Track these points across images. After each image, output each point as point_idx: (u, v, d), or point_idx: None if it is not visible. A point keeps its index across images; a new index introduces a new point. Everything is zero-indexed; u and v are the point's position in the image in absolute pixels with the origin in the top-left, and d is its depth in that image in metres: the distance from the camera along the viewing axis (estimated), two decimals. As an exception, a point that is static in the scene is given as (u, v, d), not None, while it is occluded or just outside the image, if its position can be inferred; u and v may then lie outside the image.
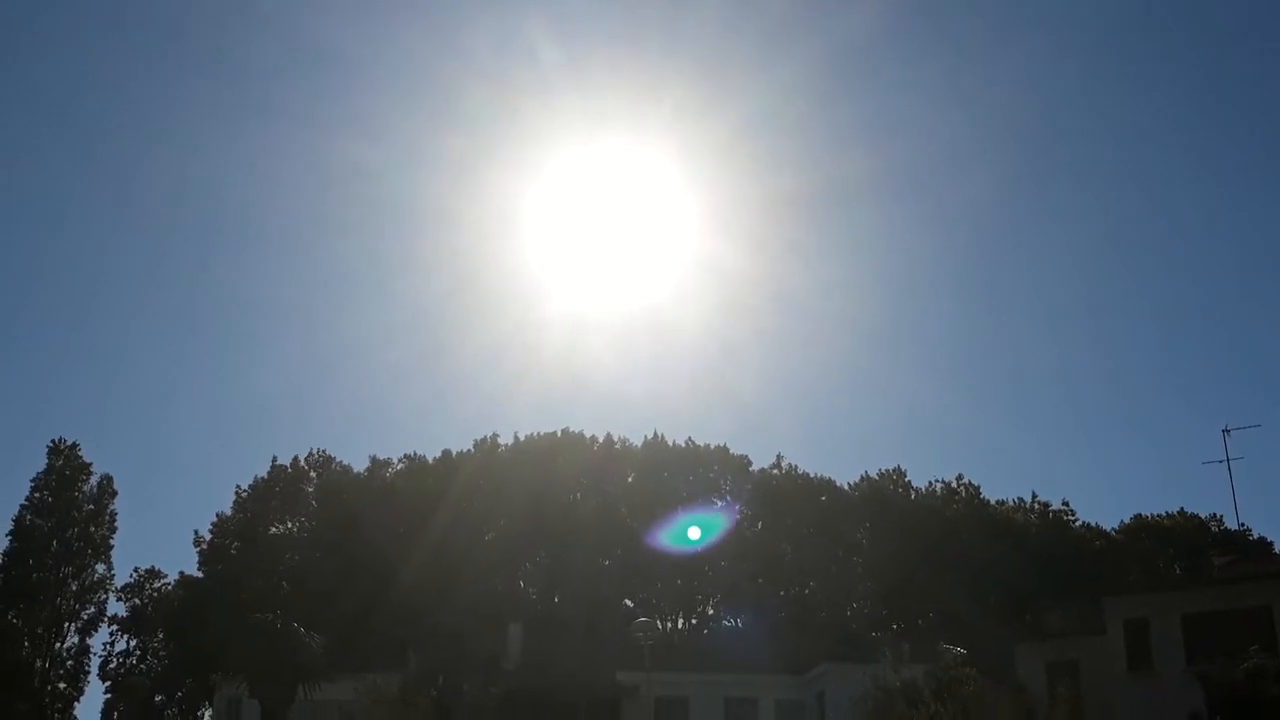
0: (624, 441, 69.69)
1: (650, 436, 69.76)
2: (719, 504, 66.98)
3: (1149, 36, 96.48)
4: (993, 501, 69.51)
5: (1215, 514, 67.64)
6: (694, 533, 61.91)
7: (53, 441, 65.39)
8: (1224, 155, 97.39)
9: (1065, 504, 69.46)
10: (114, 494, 65.50)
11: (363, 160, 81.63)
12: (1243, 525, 59.74)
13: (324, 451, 69.34)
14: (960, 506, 68.53)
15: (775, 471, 69.73)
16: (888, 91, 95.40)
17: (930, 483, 70.18)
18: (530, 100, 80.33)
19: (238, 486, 67.53)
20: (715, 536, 63.78)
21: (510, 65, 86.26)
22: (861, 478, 69.79)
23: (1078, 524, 69.07)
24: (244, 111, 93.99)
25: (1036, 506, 69.42)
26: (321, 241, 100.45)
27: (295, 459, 68.81)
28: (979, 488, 69.86)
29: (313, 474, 68.85)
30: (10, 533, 62.63)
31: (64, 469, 64.70)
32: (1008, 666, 40.45)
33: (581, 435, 69.17)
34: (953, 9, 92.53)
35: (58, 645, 63.04)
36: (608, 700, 44.89)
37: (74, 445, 65.40)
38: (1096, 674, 37.68)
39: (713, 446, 69.80)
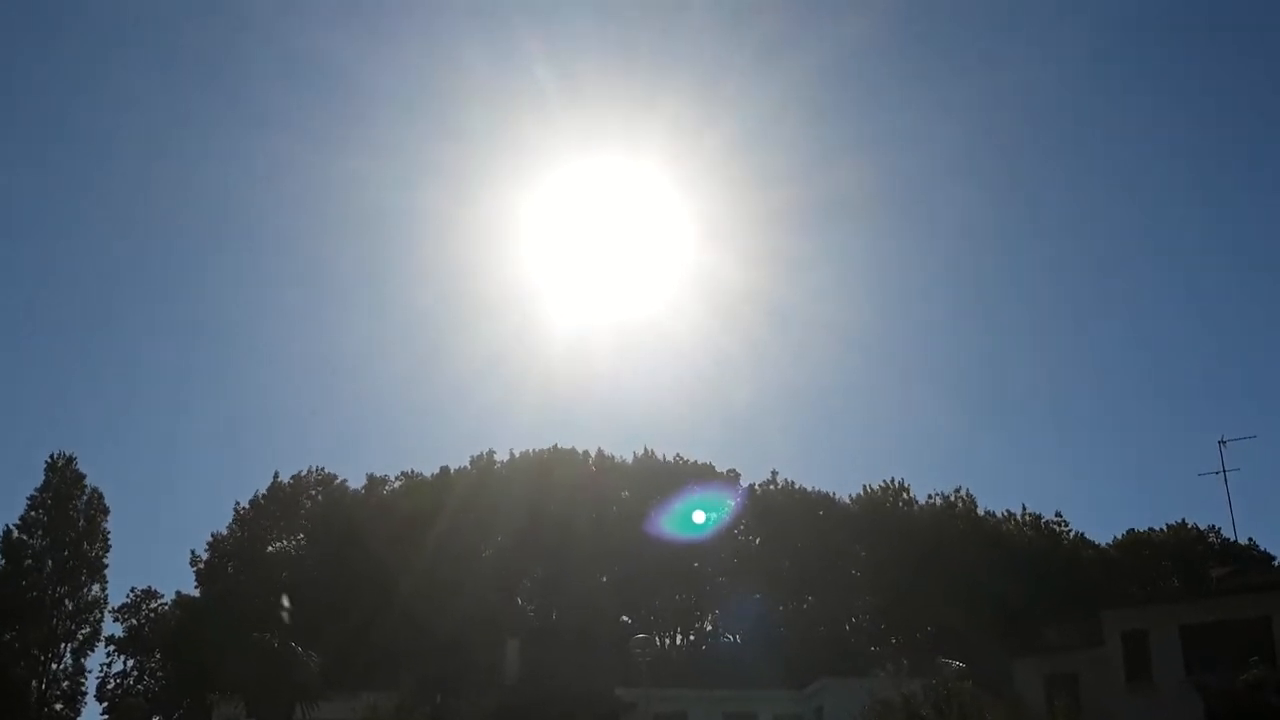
0: (617, 457, 69.82)
1: (640, 453, 69.91)
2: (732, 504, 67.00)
3: (1141, 47, 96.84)
4: (989, 514, 69.53)
5: (1213, 526, 67.74)
6: (699, 516, 62.03)
7: (52, 456, 65.07)
8: (1218, 166, 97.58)
9: (1060, 516, 69.64)
10: (105, 511, 65.21)
11: (361, 172, 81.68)
12: (1248, 540, 59.91)
13: (323, 469, 69.36)
14: (958, 520, 68.50)
15: (771, 487, 69.74)
16: (880, 104, 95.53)
17: (929, 496, 70.28)
18: (526, 114, 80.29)
19: (237, 503, 67.52)
20: (720, 523, 63.93)
21: (507, 80, 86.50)
22: (862, 491, 69.84)
23: (1074, 537, 69.10)
24: (244, 124, 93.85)
25: (1030, 519, 69.47)
26: (320, 254, 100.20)
27: (296, 475, 68.76)
28: (976, 501, 69.97)
29: (312, 491, 68.71)
30: (1, 550, 62.39)
31: (60, 484, 64.42)
32: (1006, 680, 40.44)
33: (575, 450, 69.26)
34: (944, 22, 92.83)
35: (54, 666, 62.82)
36: (606, 715, 44.83)
37: (71, 459, 65.14)
38: (1095, 687, 37.64)
39: (699, 463, 69.81)
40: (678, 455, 69.62)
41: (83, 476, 64.94)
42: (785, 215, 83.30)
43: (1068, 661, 39.45)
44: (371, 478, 69.24)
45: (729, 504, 66.02)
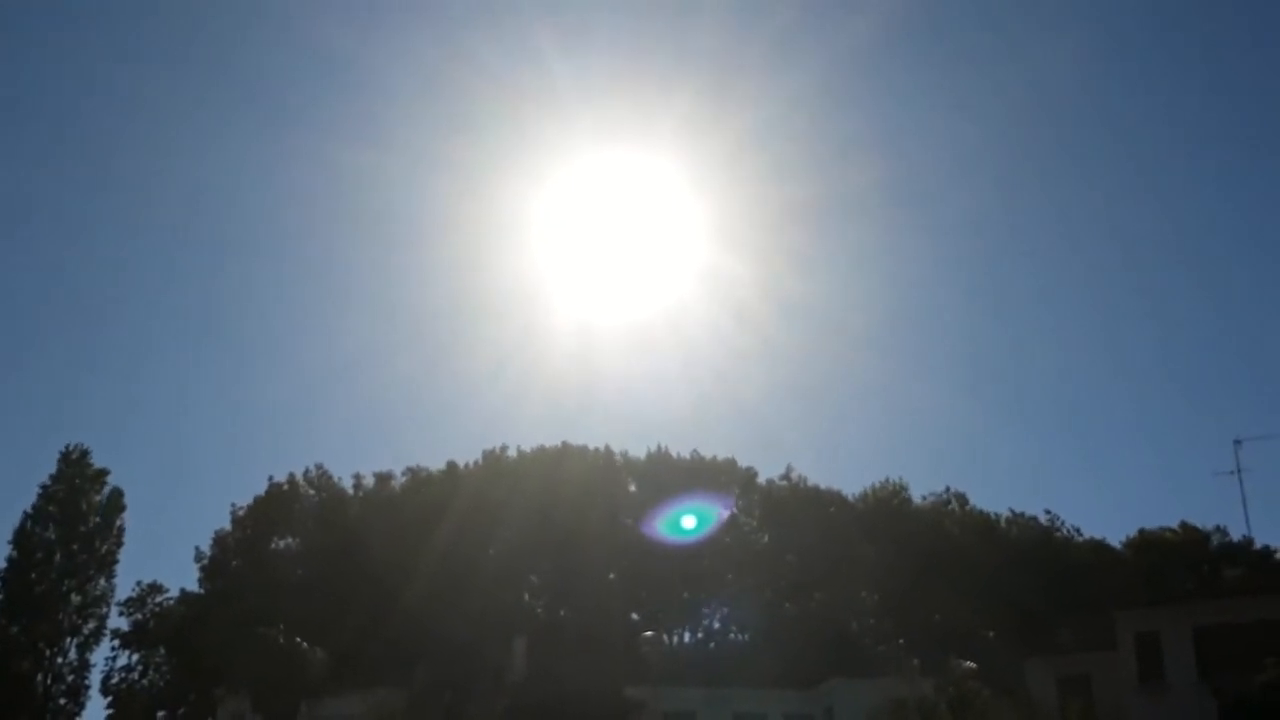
0: (628, 454, 69.38)
1: (654, 449, 69.48)
2: (723, 510, 66.60)
3: (1154, 42, 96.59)
4: (999, 514, 69.10)
5: (1227, 526, 67.07)
6: (689, 521, 61.76)
7: (66, 448, 64.72)
8: (1231, 160, 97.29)
9: (1050, 512, 69.18)
10: (123, 508, 64.97)
11: (368, 167, 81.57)
12: (1262, 541, 59.39)
13: (322, 467, 68.84)
14: (966, 519, 68.07)
15: (784, 483, 69.35)
16: (893, 100, 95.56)
17: (931, 494, 69.82)
18: (538, 108, 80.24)
19: (233, 504, 66.65)
20: (710, 527, 63.61)
21: (518, 74, 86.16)
22: (871, 489, 69.36)
23: (1085, 537, 68.59)
24: (251, 118, 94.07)
25: (1042, 519, 68.98)
26: (329, 249, 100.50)
27: (302, 473, 68.37)
28: (985, 500, 69.50)
29: (310, 491, 68.08)
30: (12, 541, 62.30)
31: (73, 477, 64.11)
32: (1018, 681, 40.16)
33: (585, 447, 68.82)
34: (957, 17, 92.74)
35: (59, 660, 62.65)
36: (615, 714, 44.59)
37: (85, 453, 64.85)
38: (1108, 688, 37.37)
39: (719, 458, 69.39)
40: (693, 452, 69.37)
41: (104, 472, 64.72)
42: (799, 211, 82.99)
43: (1080, 662, 39.17)
44: (377, 474, 68.83)
45: (720, 510, 65.51)
